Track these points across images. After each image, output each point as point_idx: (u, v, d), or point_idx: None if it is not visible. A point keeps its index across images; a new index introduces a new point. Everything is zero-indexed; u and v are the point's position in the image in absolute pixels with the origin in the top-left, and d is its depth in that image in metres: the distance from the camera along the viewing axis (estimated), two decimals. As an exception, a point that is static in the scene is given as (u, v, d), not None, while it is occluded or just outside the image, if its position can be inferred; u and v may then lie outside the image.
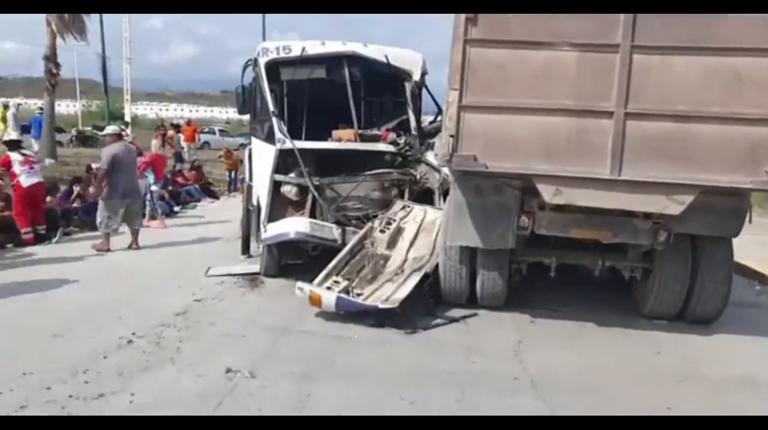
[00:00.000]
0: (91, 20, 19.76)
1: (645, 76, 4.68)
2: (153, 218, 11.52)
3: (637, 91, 4.69)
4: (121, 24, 31.38)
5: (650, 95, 4.69)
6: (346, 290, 6.09)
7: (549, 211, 5.60)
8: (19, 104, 29.64)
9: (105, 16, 21.03)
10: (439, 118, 8.90)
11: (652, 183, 4.75)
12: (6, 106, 20.01)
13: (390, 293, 5.92)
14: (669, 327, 6.01)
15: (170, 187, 14.14)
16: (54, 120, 18.63)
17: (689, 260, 5.85)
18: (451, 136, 4.96)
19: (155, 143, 13.82)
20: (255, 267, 7.76)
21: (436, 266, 6.39)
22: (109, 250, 8.84)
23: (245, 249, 8.67)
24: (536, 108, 4.87)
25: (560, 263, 6.27)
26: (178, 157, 18.95)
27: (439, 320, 5.97)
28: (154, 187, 11.89)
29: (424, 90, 8.51)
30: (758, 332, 5.88)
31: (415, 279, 6.08)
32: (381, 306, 5.62)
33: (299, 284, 5.95)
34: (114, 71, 26.69)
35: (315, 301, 5.79)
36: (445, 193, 7.86)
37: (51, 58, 17.04)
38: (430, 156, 8.11)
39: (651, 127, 4.72)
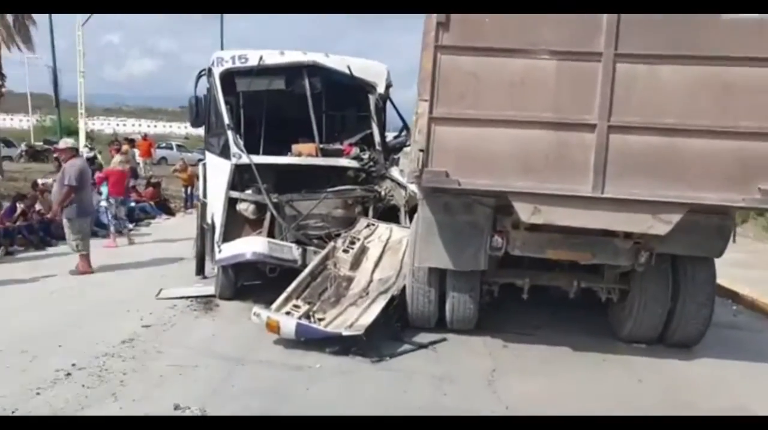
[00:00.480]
0: (39, 31, 18.92)
1: (629, 86, 4.40)
2: (120, 233, 10.95)
3: (621, 102, 4.41)
4: (74, 37, 30.36)
5: (635, 107, 4.42)
6: (307, 315, 5.64)
7: (524, 230, 5.27)
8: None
9: (55, 27, 20.15)
10: (403, 133, 8.58)
11: (636, 201, 4.45)
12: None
13: (354, 318, 5.48)
14: (649, 351, 5.72)
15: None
16: (-3, 133, 17.56)
17: (670, 280, 5.59)
18: (421, 150, 4.59)
19: (117, 159, 12.89)
20: (210, 289, 7.24)
21: (403, 288, 5.99)
22: (91, 271, 8.24)
23: (200, 270, 8.14)
24: (512, 120, 4.54)
25: (533, 285, 5.95)
26: (134, 173, 18.13)
27: (406, 347, 5.55)
28: (103, 203, 11.18)
29: (388, 104, 8.15)
30: (742, 356, 5.63)
31: (381, 303, 5.66)
32: (345, 333, 5.17)
33: (256, 309, 5.46)
34: (68, 86, 25.71)
35: (273, 327, 5.30)
36: (411, 211, 7.52)
37: (-5, 69, 16.12)
38: (394, 172, 7.76)
39: (636, 142, 4.44)
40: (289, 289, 5.89)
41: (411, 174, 4.66)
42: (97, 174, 11.40)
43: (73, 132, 31.10)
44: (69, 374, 4.58)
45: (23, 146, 26.66)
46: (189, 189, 17.54)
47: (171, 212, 15.74)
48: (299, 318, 5.46)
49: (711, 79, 4.37)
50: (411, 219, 7.44)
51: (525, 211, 4.59)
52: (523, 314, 6.49)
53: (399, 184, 7.56)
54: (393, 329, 5.81)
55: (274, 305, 5.62)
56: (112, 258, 9.14)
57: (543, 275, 5.99)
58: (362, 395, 4.52)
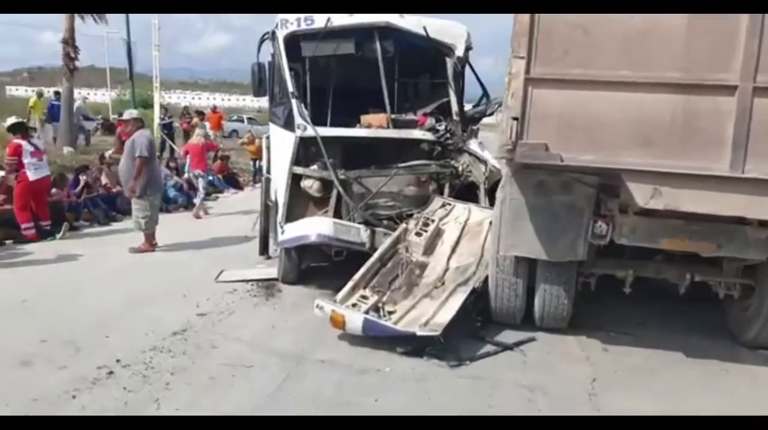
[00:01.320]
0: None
1: (783, 35, 3.44)
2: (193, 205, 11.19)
3: (769, 58, 3.46)
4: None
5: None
6: (376, 307, 5.04)
7: (634, 215, 4.43)
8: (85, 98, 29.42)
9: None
10: (483, 101, 7.74)
11: (787, 182, 3.52)
12: (41, 95, 19.45)
13: (430, 314, 4.83)
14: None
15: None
16: (74, 107, 17.86)
17: (809, 276, 4.60)
18: (514, 118, 3.81)
19: (199, 132, 12.96)
20: (272, 272, 6.79)
21: (485, 279, 5.26)
22: (153, 249, 8.01)
23: (263, 249, 7.70)
24: (629, 82, 3.69)
25: (637, 277, 5.09)
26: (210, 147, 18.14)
27: (489, 348, 4.86)
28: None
29: (467, 69, 7.31)
30: None
31: (460, 297, 4.96)
32: (419, 333, 4.53)
33: (318, 301, 4.89)
34: (145, 60, 25.98)
35: (338, 322, 4.73)
36: (491, 189, 6.73)
37: (69, 41, 16.23)
38: (473, 145, 6.97)
39: (789, 107, 3.49)
40: (357, 276, 5.30)
41: (502, 148, 3.91)
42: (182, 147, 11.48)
43: (149, 105, 31.73)
44: (111, 373, 4.17)
45: (99, 119, 27.27)
46: (257, 163, 17.32)
47: (239, 186, 15.56)
48: (367, 311, 4.86)
49: None
50: (491, 198, 6.70)
51: (642, 194, 3.75)
52: (621, 309, 5.65)
53: (478, 158, 6.78)
54: (472, 326, 5.13)
55: (340, 296, 5.05)
56: (175, 234, 8.85)
57: (649, 265, 5.12)
58: (439, 407, 3.88)
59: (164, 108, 22.69)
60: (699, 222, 4.22)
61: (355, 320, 4.66)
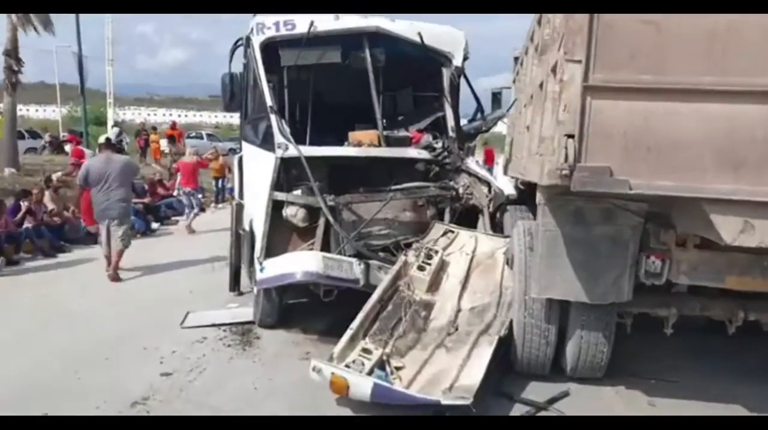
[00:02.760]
0: (68, 19, 17.74)
1: None
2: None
3: None
4: (103, 25, 29.31)
5: None
6: (381, 363, 4.17)
7: (694, 249, 3.73)
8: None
9: (85, 15, 18.96)
10: (479, 115, 7.04)
11: None
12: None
13: (453, 373, 3.96)
14: None
15: (147, 199, 12.17)
16: (16, 124, 16.45)
17: None
18: (569, 136, 3.05)
19: (191, 151, 13.06)
20: (247, 312, 5.90)
21: (509, 324, 4.47)
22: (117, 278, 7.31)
23: (234, 285, 6.76)
24: (714, 90, 2.98)
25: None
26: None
27: (519, 408, 4.04)
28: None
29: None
30: None
31: (486, 350, 4.14)
32: (445, 401, 3.66)
33: (315, 362, 3.97)
34: (99, 76, 24.62)
35: (340, 388, 3.84)
36: (494, 213, 6.00)
37: (11, 53, 14.88)
38: (472, 163, 6.24)
39: None
40: (354, 324, 4.43)
41: (553, 172, 3.13)
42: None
43: (102, 122, 30.14)
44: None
45: (46, 137, 25.55)
46: (221, 181, 16.31)
47: (201, 207, 14.45)
48: (371, 370, 4.00)
49: None
50: (493, 222, 5.97)
51: (730, 228, 3.03)
52: (644, 345, 4.91)
53: (479, 178, 6.04)
54: (494, 379, 4.32)
55: (337, 350, 4.16)
56: (132, 265, 7.81)
57: (694, 302, 4.41)
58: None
59: (118, 125, 21.53)
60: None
61: (362, 386, 3.78)
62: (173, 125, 23.75)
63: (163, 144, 21.87)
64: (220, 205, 15.10)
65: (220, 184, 16.22)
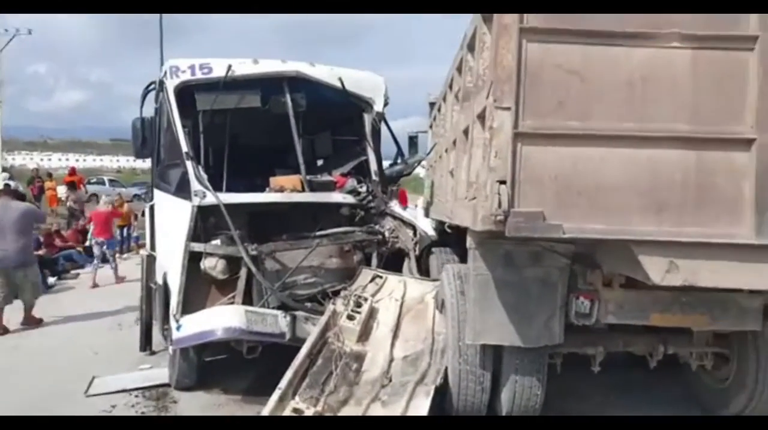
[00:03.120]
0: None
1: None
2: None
3: (785, 107, 3.04)
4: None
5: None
6: (314, 422, 3.94)
7: (620, 289, 3.84)
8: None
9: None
10: (399, 159, 7.07)
11: (816, 248, 3.06)
12: None
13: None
14: None
15: (42, 252, 11.22)
16: None
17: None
18: (502, 182, 3.06)
19: (105, 200, 12.45)
20: (161, 374, 5.49)
21: (444, 372, 4.38)
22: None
23: (146, 343, 6.27)
24: (633, 136, 3.10)
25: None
26: (73, 213, 16.18)
27: None
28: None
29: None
30: None
31: (424, 402, 4.00)
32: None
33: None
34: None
35: (272, 454, 3.57)
36: (419, 256, 5.99)
37: None
38: (397, 207, 6.22)
39: (808, 162, 3.07)
40: (283, 383, 4.18)
41: (487, 218, 3.12)
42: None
43: (-11, 168, 27.92)
44: None
45: None
46: (126, 229, 15.45)
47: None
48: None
49: None
50: (419, 265, 5.95)
51: (656, 269, 3.12)
52: (573, 383, 4.96)
53: (404, 221, 6.02)
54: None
55: (266, 412, 3.91)
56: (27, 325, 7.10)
57: (618, 339, 4.53)
58: None
59: (7, 171, 19.99)
60: (689, 293, 3.70)
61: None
62: (72, 171, 22.32)
63: (61, 191, 20.50)
64: (125, 256, 14.22)
65: (124, 233, 15.36)
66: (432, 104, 7.27)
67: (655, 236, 3.08)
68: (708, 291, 3.63)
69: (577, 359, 4.52)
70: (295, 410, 4.00)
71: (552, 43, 3.06)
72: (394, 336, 4.88)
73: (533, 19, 3.05)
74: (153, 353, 6.23)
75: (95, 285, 10.47)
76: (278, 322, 4.89)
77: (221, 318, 4.80)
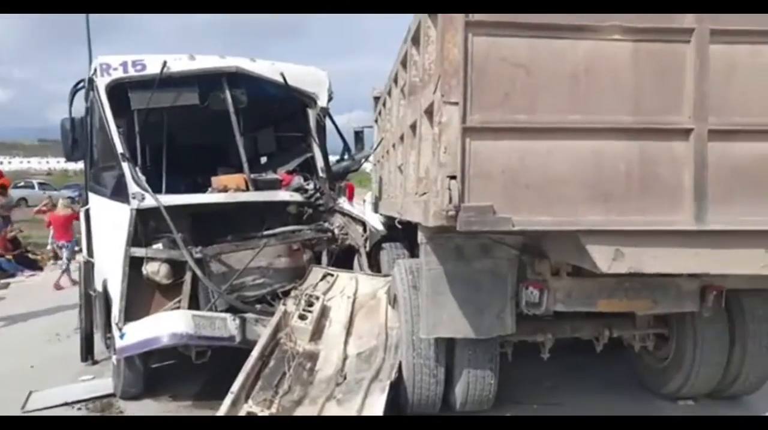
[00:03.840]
0: None
1: (729, 74, 3.18)
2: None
3: (719, 97, 3.17)
4: None
5: (737, 103, 3.21)
6: (269, 425, 3.87)
7: (567, 277, 3.93)
8: None
9: None
10: (346, 155, 7.01)
11: (748, 232, 3.22)
12: None
13: (348, 428, 3.78)
14: (706, 411, 4.57)
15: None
16: None
17: (727, 321, 4.47)
18: (452, 177, 3.06)
19: (63, 203, 11.87)
20: (105, 384, 5.25)
21: (399, 367, 4.38)
22: None
23: (87, 353, 5.99)
24: (578, 128, 3.16)
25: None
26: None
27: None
28: None
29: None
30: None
31: (380, 398, 3.98)
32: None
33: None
34: None
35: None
36: (370, 251, 5.97)
37: None
38: (345, 204, 6.17)
39: (742, 150, 3.23)
40: (235, 387, 4.10)
41: (439, 214, 3.12)
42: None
43: None
44: None
45: None
46: (58, 234, 14.73)
47: (37, 267, 12.87)
48: (261, 434, 3.69)
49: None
50: (371, 261, 5.93)
51: (603, 257, 3.19)
52: (523, 371, 5.05)
53: (353, 218, 5.98)
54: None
55: (220, 414, 3.80)
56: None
57: (566, 326, 4.67)
58: None
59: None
60: (633, 279, 3.83)
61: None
62: (-1, 174, 21.10)
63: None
64: (59, 262, 13.57)
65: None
66: (377, 99, 7.23)
67: (601, 226, 3.16)
68: (650, 276, 3.78)
69: (527, 346, 4.63)
70: (249, 413, 3.92)
71: (498, 37, 3.07)
72: (348, 333, 4.85)
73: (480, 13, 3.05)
74: (95, 362, 5.96)
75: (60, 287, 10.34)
76: (227, 325, 4.78)
77: (167, 324, 4.64)
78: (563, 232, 3.23)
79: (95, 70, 5.30)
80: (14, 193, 22.40)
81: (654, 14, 3.13)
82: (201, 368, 5.02)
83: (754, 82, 3.20)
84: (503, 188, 3.12)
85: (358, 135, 7.23)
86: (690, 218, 3.16)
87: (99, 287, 5.48)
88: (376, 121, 7.38)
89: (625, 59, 3.14)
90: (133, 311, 4.82)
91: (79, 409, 4.86)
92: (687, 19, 3.15)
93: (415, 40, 4.06)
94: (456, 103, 3.05)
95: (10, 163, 70.02)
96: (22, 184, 29.49)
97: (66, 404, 4.93)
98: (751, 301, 4.48)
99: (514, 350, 4.59)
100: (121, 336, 4.69)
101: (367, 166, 8.51)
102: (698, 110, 3.15)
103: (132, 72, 5.30)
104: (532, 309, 3.97)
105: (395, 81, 5.32)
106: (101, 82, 5.22)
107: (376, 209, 6.82)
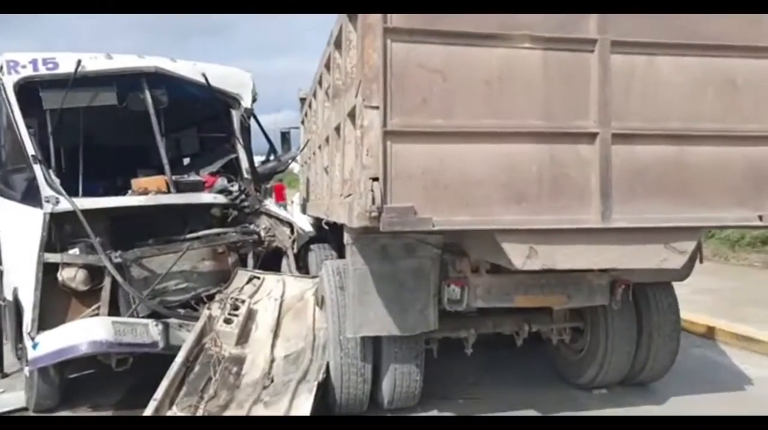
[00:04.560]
0: None
1: (629, 82, 3.42)
2: None
3: (621, 103, 3.41)
4: None
5: (636, 109, 3.46)
6: None
7: (486, 274, 4.09)
8: None
9: None
10: (272, 156, 6.98)
11: (649, 229, 3.47)
12: None
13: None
14: (619, 399, 4.85)
15: None
16: None
17: (634, 313, 4.78)
18: (374, 179, 3.13)
19: None
20: (17, 397, 5.01)
21: (326, 367, 4.41)
22: None
23: (-3, 366, 5.68)
24: (493, 132, 3.31)
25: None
26: None
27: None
28: None
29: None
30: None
31: (307, 399, 4.00)
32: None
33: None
34: None
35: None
36: (297, 253, 5.98)
37: None
38: (271, 205, 6.14)
39: (642, 153, 3.47)
40: (159, 394, 4.01)
41: (363, 215, 3.18)
42: None
43: None
44: None
45: None
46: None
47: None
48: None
49: (714, 72, 3.56)
50: (298, 263, 5.93)
51: (518, 255, 3.36)
52: (448, 367, 5.20)
53: (280, 220, 5.96)
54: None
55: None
56: None
57: (488, 321, 4.85)
58: None
59: None
60: (547, 275, 4.03)
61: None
62: None
63: None
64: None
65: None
66: (303, 100, 7.24)
67: (516, 225, 3.31)
68: (564, 272, 3.99)
69: (451, 343, 4.78)
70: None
71: (415, 43, 3.17)
72: (275, 336, 4.83)
73: (397, 20, 3.14)
74: (5, 375, 5.65)
75: None
76: (149, 331, 4.66)
77: (85, 331, 4.48)
78: (480, 231, 3.37)
79: (1, 67, 5.03)
80: None
81: (561, 24, 3.32)
82: (123, 376, 4.88)
83: (651, 89, 3.45)
84: (424, 189, 3.22)
85: (285, 136, 7.21)
86: (597, 216, 3.38)
87: (9, 296, 5.21)
88: (302, 122, 7.38)
89: (536, 66, 3.32)
90: (48, 319, 4.62)
91: (-12, 425, 4.60)
92: (590, 30, 3.36)
93: (338, 44, 4.11)
94: (377, 107, 3.12)
95: None
96: None
97: (-27, 420, 4.67)
98: (656, 293, 4.81)
99: (438, 347, 4.73)
100: (34, 346, 4.48)
101: (295, 167, 8.48)
102: (602, 115, 3.37)
103: (43, 70, 5.07)
104: (454, 306, 4.10)
105: (320, 83, 5.36)
106: (8, 81, 4.96)
107: (304, 210, 6.82)
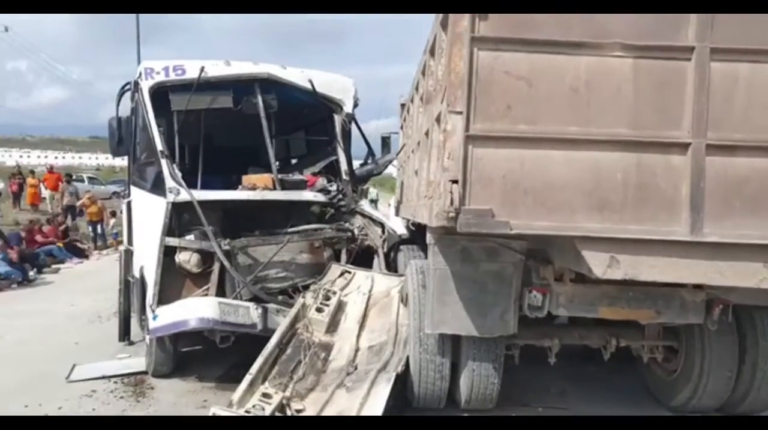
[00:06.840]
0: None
1: (729, 91, 3.29)
2: None
3: (719, 113, 3.28)
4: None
5: (737, 119, 3.31)
6: (282, 407, 4.13)
7: (570, 283, 4.07)
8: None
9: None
10: (370, 159, 7.26)
11: (747, 246, 3.31)
12: None
13: (353, 412, 4.00)
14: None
15: (23, 247, 11.25)
16: None
17: (737, 336, 4.50)
18: (454, 181, 3.26)
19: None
20: (139, 362, 5.66)
21: (406, 361, 4.58)
22: None
23: (124, 334, 6.43)
24: (578, 139, 3.33)
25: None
26: (71, 210, 16.19)
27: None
28: None
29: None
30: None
31: (384, 388, 4.19)
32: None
33: (214, 409, 3.88)
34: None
35: (239, 436, 3.74)
36: (387, 252, 6.19)
37: None
38: (366, 206, 6.43)
39: (740, 165, 3.33)
40: (254, 369, 4.36)
41: (441, 215, 3.32)
42: None
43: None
44: None
45: None
46: (99, 226, 15.59)
47: (83, 254, 13.59)
48: (272, 414, 3.96)
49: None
50: (387, 261, 6.15)
51: (598, 263, 3.34)
52: (532, 375, 5.19)
53: (373, 220, 6.22)
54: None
55: (236, 396, 4.09)
56: (12, 317, 7.19)
57: (574, 332, 4.79)
58: None
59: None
60: (635, 287, 3.94)
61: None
62: (50, 169, 22.28)
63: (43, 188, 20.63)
64: (104, 252, 14.29)
65: (98, 229, 15.56)
66: (403, 105, 7.47)
67: (597, 233, 3.30)
68: (652, 286, 3.89)
69: (535, 351, 4.76)
70: (264, 394, 4.16)
71: (501, 51, 3.26)
72: (361, 327, 5.08)
73: (483, 29, 3.25)
74: (131, 343, 6.38)
75: None
76: (250, 313, 5.07)
77: (195, 309, 4.96)
78: (562, 238, 3.38)
79: (140, 73, 5.72)
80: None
81: (655, 32, 3.27)
82: (225, 353, 5.32)
83: (753, 100, 3.30)
84: (503, 193, 3.30)
85: (385, 140, 7.48)
86: (686, 228, 3.28)
87: (137, 274, 5.87)
88: (401, 127, 7.61)
89: (626, 74, 3.29)
90: (166, 296, 5.17)
91: (115, 382, 5.24)
92: (689, 37, 3.28)
93: (432, 52, 4.28)
94: (460, 113, 3.26)
95: (63, 158, 73.01)
96: (73, 178, 30.83)
97: (104, 377, 5.34)
98: (764, 318, 4.51)
99: (522, 355, 4.72)
100: (154, 318, 5.05)
101: (394, 171, 8.74)
102: (697, 125, 3.27)
103: (173, 76, 5.69)
104: (534, 312, 4.11)
105: (416, 89, 5.55)
106: (145, 85, 5.63)
107: (397, 212, 7.04)
